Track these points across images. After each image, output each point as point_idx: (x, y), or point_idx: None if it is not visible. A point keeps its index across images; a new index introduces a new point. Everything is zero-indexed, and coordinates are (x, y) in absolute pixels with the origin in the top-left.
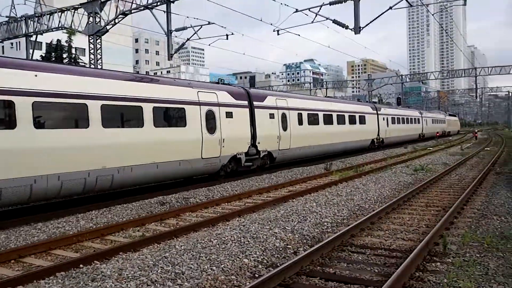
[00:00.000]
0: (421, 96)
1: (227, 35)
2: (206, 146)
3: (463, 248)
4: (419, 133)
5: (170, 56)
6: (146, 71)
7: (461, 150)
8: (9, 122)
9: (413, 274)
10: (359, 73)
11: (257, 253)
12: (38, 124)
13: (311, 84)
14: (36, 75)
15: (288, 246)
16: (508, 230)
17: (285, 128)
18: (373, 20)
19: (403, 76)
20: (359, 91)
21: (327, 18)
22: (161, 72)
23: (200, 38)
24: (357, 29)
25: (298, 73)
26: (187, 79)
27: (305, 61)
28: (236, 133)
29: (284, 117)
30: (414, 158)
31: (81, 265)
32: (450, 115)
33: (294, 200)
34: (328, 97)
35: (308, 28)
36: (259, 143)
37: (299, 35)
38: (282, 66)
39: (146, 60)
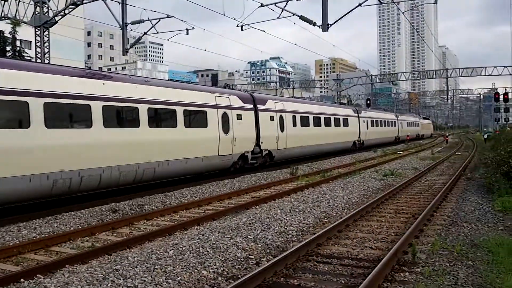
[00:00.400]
0: (391, 97)
1: (187, 30)
2: (222, 144)
3: (433, 257)
4: (395, 136)
5: (125, 51)
6: (99, 67)
7: (432, 155)
8: (87, 122)
9: (381, 285)
10: (327, 72)
11: (217, 264)
12: (106, 123)
13: (277, 83)
14: (104, 84)
15: (250, 256)
16: (478, 237)
17: (282, 129)
18: (342, 17)
19: (373, 77)
20: (327, 91)
21: (293, 14)
22: (116, 68)
23: (158, 33)
24: (325, 26)
25: (263, 72)
26: (161, 79)
27: (271, 59)
28: (245, 134)
29: (281, 119)
30: (383, 162)
31: (22, 280)
32: (423, 118)
33: (257, 207)
34: (300, 98)
35: (274, 24)
36: (262, 142)
37: (264, 31)
38: (246, 64)
39: (99, 55)
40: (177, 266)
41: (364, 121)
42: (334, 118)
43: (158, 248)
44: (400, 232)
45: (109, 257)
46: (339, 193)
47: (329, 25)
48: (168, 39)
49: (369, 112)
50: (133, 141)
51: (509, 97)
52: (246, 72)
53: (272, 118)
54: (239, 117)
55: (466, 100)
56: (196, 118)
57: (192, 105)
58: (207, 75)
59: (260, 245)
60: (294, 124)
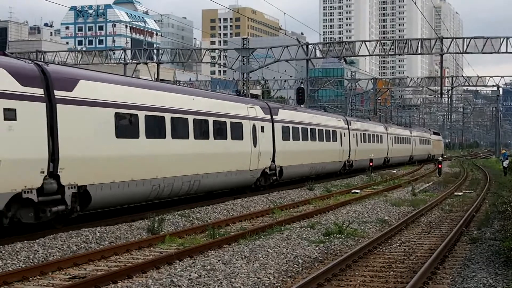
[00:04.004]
0: (343, 87)
1: None
2: (252, 158)
3: None
4: (384, 157)
5: None
6: None
7: (413, 196)
8: (185, 134)
9: None
10: (226, 34)
11: None
12: (195, 135)
13: (129, 53)
14: (193, 99)
15: None
16: None
17: (287, 143)
18: None
19: (311, 47)
20: (225, 71)
21: None
22: None
23: None
24: None
25: (100, 29)
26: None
27: (116, 3)
28: (266, 147)
29: (288, 130)
30: (325, 209)
31: None
32: (434, 133)
33: None
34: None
35: None
36: (276, 158)
37: None
38: (67, 12)
39: None
40: None
41: (354, 135)
42: (325, 130)
43: None
44: None
45: None
46: (240, 269)
47: None
48: None
49: (359, 123)
50: (205, 152)
51: None
52: (67, 28)
53: (286, 129)
54: (262, 129)
55: (474, 97)
56: (238, 130)
57: (236, 117)
58: None
59: None
60: (297, 137)
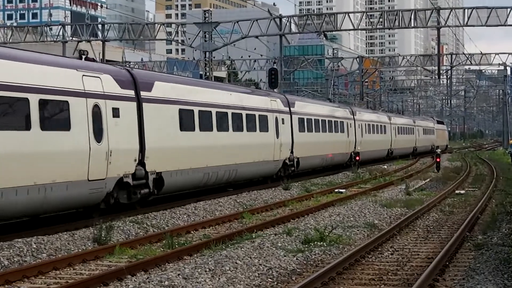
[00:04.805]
0: (323, 67)
1: None
2: (275, 149)
3: None
4: (387, 149)
5: None
6: None
7: (407, 195)
8: (226, 127)
9: None
10: (184, 5)
11: None
12: (233, 128)
13: (66, 28)
14: (231, 94)
15: None
16: None
17: (303, 134)
18: None
19: (286, 21)
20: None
21: None
22: None
23: None
24: None
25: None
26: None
27: None
28: (286, 139)
29: (303, 122)
30: (304, 212)
31: None
32: (438, 122)
33: None
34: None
35: None
36: (294, 149)
37: None
38: None
39: None
40: None
41: (359, 125)
42: (334, 121)
43: None
44: None
45: None
46: (204, 284)
47: None
48: None
49: (364, 114)
50: (241, 144)
51: None
52: None
53: (302, 121)
54: (283, 121)
55: (478, 78)
56: (262, 122)
57: (264, 110)
58: None
59: None
60: (310, 129)
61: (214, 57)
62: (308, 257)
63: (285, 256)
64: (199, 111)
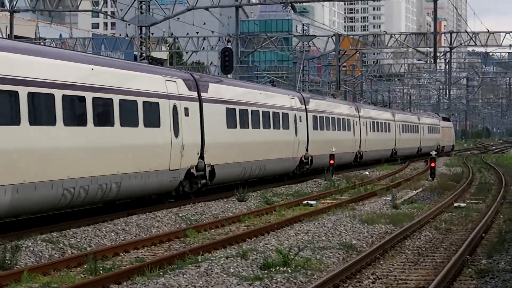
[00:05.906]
0: (290, 47)
1: None
2: (294, 146)
3: None
4: (391, 149)
5: None
6: None
7: (393, 208)
8: (257, 124)
9: None
10: None
11: None
12: (263, 125)
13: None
14: (260, 93)
15: None
16: None
17: (316, 133)
18: None
19: None
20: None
21: None
22: None
23: None
24: None
25: None
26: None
27: None
28: (303, 137)
29: (317, 120)
30: (263, 229)
31: None
32: (443, 118)
33: None
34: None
35: None
36: (309, 147)
37: None
38: None
39: None
40: None
41: (364, 123)
42: (342, 119)
43: None
44: None
45: None
46: None
47: None
48: None
49: (370, 110)
50: (268, 140)
51: None
52: None
53: (315, 119)
54: (300, 119)
55: (483, 62)
56: (284, 120)
57: (285, 108)
58: None
59: None
60: (322, 127)
61: (152, 34)
62: (267, 286)
63: (238, 284)
64: (239, 109)
